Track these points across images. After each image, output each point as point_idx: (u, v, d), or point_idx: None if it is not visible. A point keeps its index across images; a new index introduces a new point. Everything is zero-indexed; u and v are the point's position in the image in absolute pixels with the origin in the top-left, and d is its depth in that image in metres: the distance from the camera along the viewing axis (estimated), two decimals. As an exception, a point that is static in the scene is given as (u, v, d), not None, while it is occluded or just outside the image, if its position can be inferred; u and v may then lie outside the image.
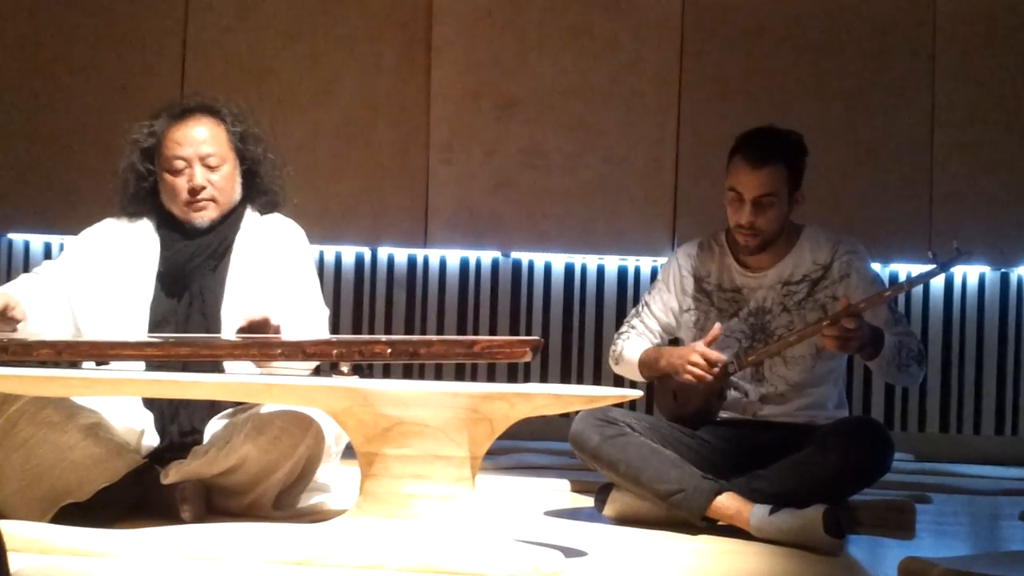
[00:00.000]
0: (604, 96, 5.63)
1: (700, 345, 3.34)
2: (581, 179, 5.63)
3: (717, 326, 3.35)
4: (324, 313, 3.29)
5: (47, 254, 5.64)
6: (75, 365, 2.97)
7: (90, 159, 5.55)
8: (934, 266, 3.26)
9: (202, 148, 3.21)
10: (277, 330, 2.97)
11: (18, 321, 3.05)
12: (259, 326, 2.95)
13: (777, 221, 3.35)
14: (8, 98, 5.69)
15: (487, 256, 5.69)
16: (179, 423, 3.15)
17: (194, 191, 3.20)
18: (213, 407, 3.17)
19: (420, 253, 5.70)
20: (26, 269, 5.58)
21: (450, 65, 5.66)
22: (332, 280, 5.65)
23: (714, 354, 3.33)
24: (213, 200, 3.22)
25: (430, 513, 2.63)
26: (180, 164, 3.20)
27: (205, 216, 3.22)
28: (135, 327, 3.16)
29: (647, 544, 3.10)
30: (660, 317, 3.53)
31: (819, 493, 3.10)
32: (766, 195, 3.31)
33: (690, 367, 3.32)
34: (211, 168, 3.21)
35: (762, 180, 3.30)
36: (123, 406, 3.12)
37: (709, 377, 3.32)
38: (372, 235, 5.70)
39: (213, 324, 3.16)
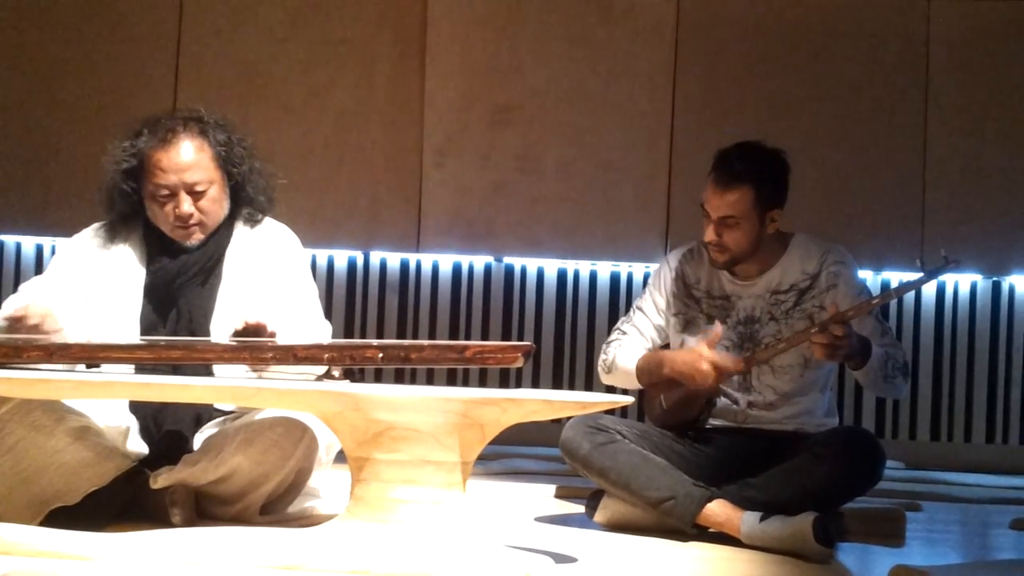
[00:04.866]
0: (598, 102, 5.64)
1: (707, 351, 3.28)
2: (575, 185, 5.63)
3: (718, 326, 3.32)
4: (327, 328, 3.25)
5: (39, 256, 5.63)
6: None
7: (83, 161, 5.53)
8: (922, 274, 3.27)
9: (187, 176, 3.14)
10: (272, 336, 2.95)
11: (55, 330, 2.98)
12: (255, 330, 2.93)
13: (744, 241, 3.34)
14: (0, 99, 5.69)
15: (480, 261, 5.70)
16: (165, 428, 3.14)
17: (181, 218, 3.16)
18: (200, 414, 3.16)
19: (413, 258, 5.70)
20: (17, 270, 5.60)
21: (444, 70, 5.67)
22: (324, 284, 5.64)
23: (724, 361, 3.28)
24: (201, 224, 3.18)
25: (420, 518, 2.63)
26: (165, 192, 3.15)
27: (194, 240, 3.19)
28: (124, 340, 3.13)
29: (637, 551, 3.10)
30: (655, 320, 3.50)
31: (810, 502, 3.10)
32: (730, 217, 3.31)
33: (700, 377, 3.28)
34: (198, 195, 3.16)
35: (726, 203, 3.30)
36: (108, 409, 3.10)
37: (718, 384, 3.29)
38: (365, 239, 5.69)
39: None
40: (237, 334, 2.94)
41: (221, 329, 3.10)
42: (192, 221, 3.16)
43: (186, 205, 3.15)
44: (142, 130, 3.20)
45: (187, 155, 3.15)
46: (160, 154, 3.14)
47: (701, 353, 3.29)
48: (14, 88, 5.69)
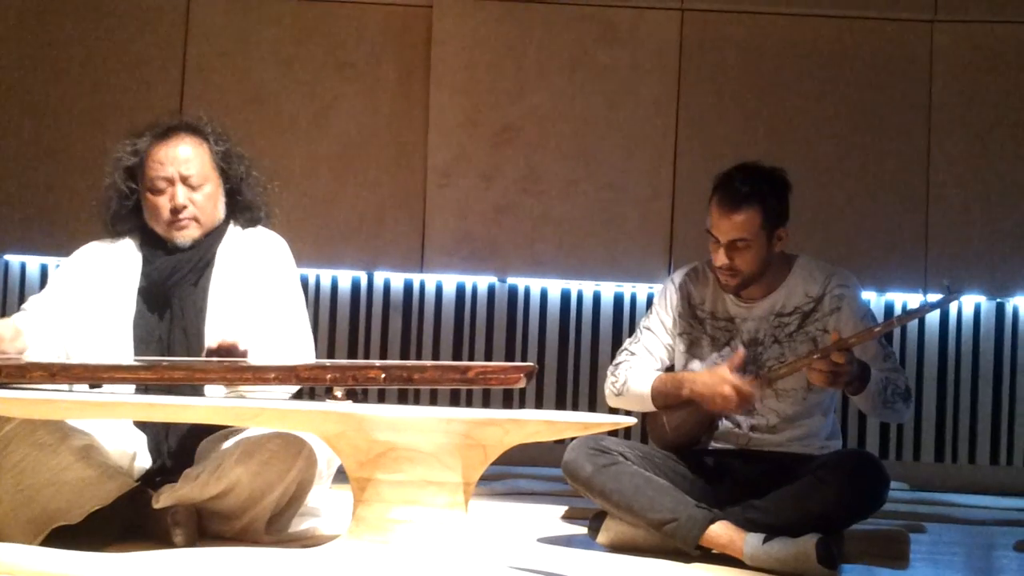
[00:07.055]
0: (602, 123, 5.65)
1: (730, 374, 3.26)
2: (578, 205, 5.64)
3: (740, 350, 3.30)
4: (309, 337, 3.28)
5: (44, 276, 5.63)
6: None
7: (88, 181, 5.53)
8: (926, 304, 3.29)
9: (183, 168, 3.20)
10: (244, 355, 2.97)
11: (19, 352, 3.03)
12: (228, 350, 2.95)
13: (755, 262, 3.33)
14: (6, 120, 5.71)
15: (483, 281, 5.70)
16: (170, 444, 3.15)
17: (176, 210, 3.19)
18: (204, 429, 3.16)
19: (416, 278, 5.71)
20: (23, 290, 5.60)
21: (449, 91, 5.68)
22: (328, 304, 5.65)
23: (746, 385, 3.26)
24: (195, 219, 3.22)
25: (422, 539, 2.62)
26: (162, 184, 3.20)
27: (187, 235, 3.22)
28: (119, 345, 3.16)
29: (640, 572, 3.09)
30: (663, 339, 3.47)
31: (813, 525, 3.09)
32: (740, 239, 3.30)
33: (721, 401, 3.26)
34: (193, 188, 3.21)
35: (735, 225, 3.29)
36: (116, 428, 3.11)
37: (740, 410, 3.30)
38: (369, 260, 5.70)
39: (194, 339, 3.16)
40: (210, 353, 2.95)
41: (215, 330, 3.12)
42: (186, 213, 3.20)
43: (180, 196, 3.19)
44: (144, 132, 3.29)
45: (184, 150, 3.23)
46: (158, 149, 3.22)
47: (724, 376, 3.26)
48: (19, 110, 5.70)
